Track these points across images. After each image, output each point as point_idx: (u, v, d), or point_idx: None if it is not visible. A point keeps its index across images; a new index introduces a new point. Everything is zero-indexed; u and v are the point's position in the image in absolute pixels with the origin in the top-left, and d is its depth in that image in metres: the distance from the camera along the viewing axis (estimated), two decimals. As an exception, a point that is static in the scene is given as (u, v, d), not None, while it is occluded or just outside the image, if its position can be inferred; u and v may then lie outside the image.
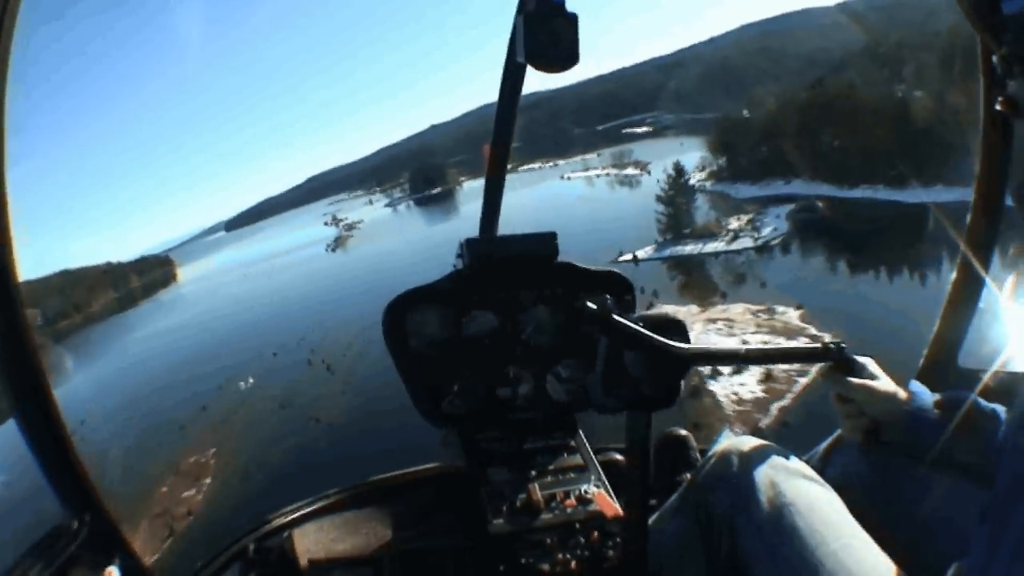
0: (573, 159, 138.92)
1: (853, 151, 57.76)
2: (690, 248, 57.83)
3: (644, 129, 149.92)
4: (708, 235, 59.28)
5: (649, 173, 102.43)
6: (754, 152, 71.22)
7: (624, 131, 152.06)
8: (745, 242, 55.85)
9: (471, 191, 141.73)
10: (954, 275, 2.08)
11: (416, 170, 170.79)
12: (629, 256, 56.81)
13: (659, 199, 62.50)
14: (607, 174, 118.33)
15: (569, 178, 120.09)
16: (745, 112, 75.69)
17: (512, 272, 2.30)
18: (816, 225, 53.83)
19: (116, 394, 50.52)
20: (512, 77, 2.52)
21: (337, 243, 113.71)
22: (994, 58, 0.96)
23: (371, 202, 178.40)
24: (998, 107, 0.93)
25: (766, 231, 56.95)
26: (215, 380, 47.36)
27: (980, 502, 1.15)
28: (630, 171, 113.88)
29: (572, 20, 1.63)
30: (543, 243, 2.31)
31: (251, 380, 46.29)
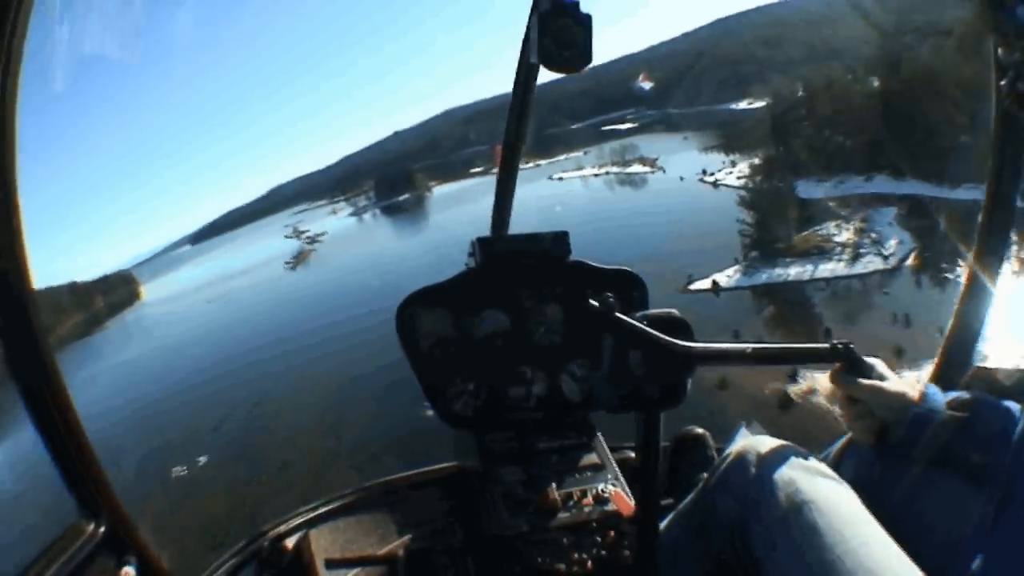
0: (556, 158, 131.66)
1: (949, 142, 44.02)
2: (794, 271, 41.45)
3: (628, 126, 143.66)
4: (814, 252, 42.92)
5: (663, 171, 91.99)
6: (819, 142, 55.93)
7: (604, 128, 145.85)
8: (872, 262, 39.87)
9: (442, 197, 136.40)
10: (966, 274, 2.15)
11: (381, 176, 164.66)
12: (705, 283, 41.72)
13: (743, 203, 47.88)
14: (607, 173, 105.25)
15: (561, 178, 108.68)
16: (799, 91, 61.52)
17: (524, 271, 2.35)
18: (940, 236, 39.45)
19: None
20: (525, 77, 2.56)
21: (298, 259, 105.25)
22: (1000, 51, 0.96)
23: (334, 212, 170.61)
24: (1008, 102, 0.91)
25: (890, 245, 40.82)
26: (145, 459, 33.20)
27: (949, 500, 1.17)
28: (637, 168, 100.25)
29: (586, 20, 1.63)
30: (555, 242, 2.35)
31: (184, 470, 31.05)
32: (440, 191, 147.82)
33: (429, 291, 2.32)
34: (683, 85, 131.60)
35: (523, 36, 2.22)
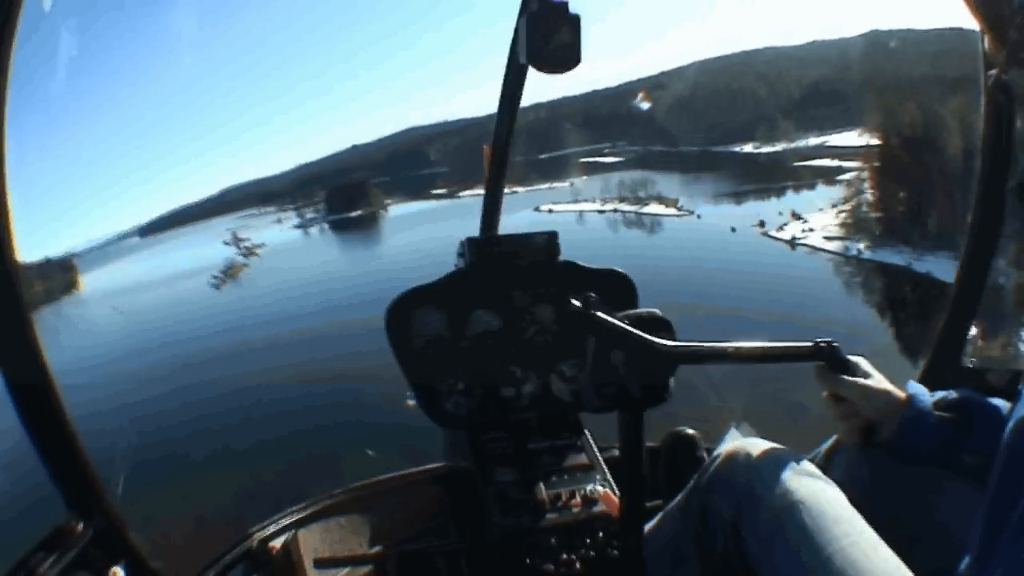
0: (536, 186, 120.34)
1: None
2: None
3: (612, 159, 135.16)
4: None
5: (696, 216, 78.25)
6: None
7: (583, 160, 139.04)
8: None
9: (398, 219, 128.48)
10: (956, 273, 2.22)
11: (336, 187, 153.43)
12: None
13: (863, 284, 41.20)
14: (615, 211, 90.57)
15: (551, 211, 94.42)
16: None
17: (514, 272, 2.40)
18: None
19: None
20: (514, 78, 2.59)
21: (227, 274, 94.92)
22: (986, 43, 0.99)
23: (280, 220, 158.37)
24: (993, 87, 0.97)
25: None
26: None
27: (981, 502, 1.17)
28: (656, 209, 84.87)
29: (575, 21, 1.67)
30: (545, 242, 2.41)
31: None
32: (397, 211, 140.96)
33: (419, 291, 2.37)
34: (674, 122, 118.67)
35: (512, 37, 2.24)
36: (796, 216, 63.32)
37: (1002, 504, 1.09)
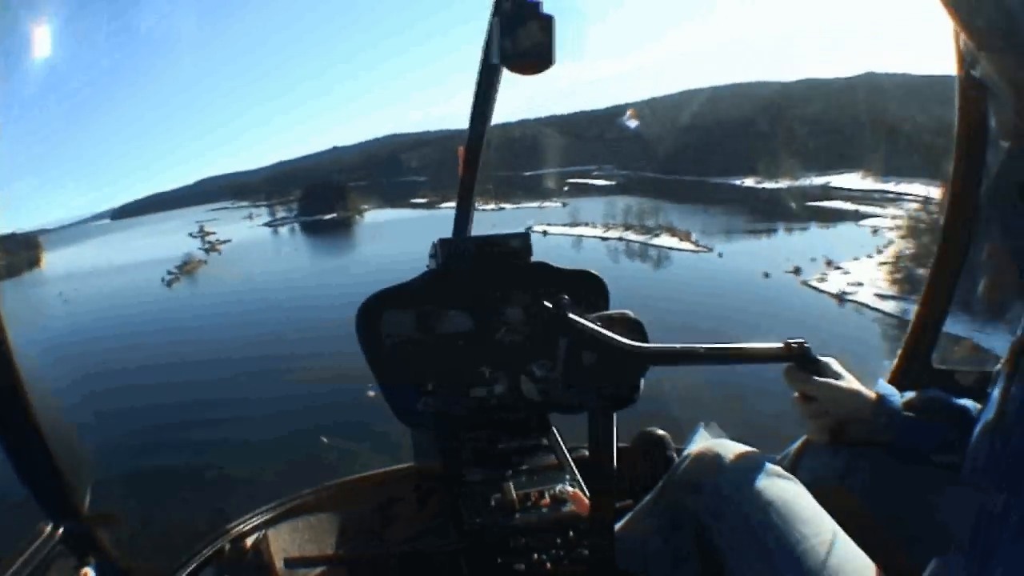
0: (523, 204, 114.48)
1: None
2: None
3: (602, 182, 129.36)
4: None
5: (717, 254, 71.34)
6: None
7: (571, 180, 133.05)
8: None
9: (376, 225, 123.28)
10: (928, 275, 2.27)
11: (313, 185, 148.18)
12: None
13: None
14: (620, 239, 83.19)
15: (546, 233, 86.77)
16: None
17: (486, 272, 2.43)
18: None
19: None
20: (487, 79, 2.58)
21: (182, 270, 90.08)
22: (963, 42, 0.98)
23: (251, 216, 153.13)
24: (966, 83, 0.95)
25: None
26: None
27: (949, 499, 1.19)
28: (668, 242, 77.53)
29: (547, 21, 1.67)
30: (518, 243, 2.44)
31: None
32: (373, 216, 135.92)
33: (391, 292, 2.40)
34: (665, 147, 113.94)
35: (485, 37, 2.20)
36: (831, 264, 59.19)
37: (973, 500, 1.11)
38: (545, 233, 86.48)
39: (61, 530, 1.82)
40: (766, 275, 60.08)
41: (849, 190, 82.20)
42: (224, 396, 36.26)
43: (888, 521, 1.53)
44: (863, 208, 72.73)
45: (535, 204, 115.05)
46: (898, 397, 1.62)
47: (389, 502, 2.59)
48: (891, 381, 1.95)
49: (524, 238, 2.47)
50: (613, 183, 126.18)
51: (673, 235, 78.37)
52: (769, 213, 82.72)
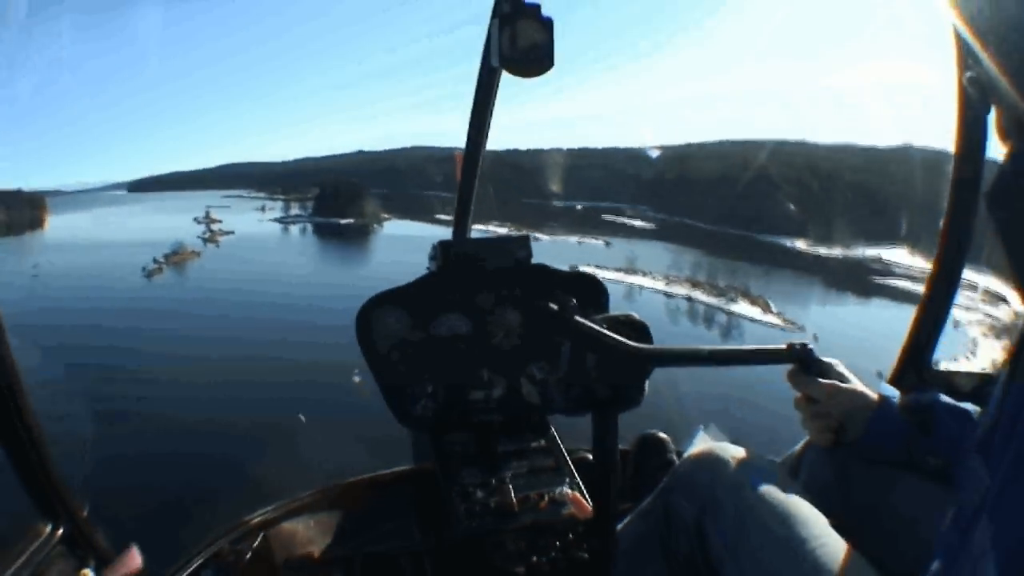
0: (561, 237, 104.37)
1: None
2: None
3: (640, 223, 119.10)
4: None
5: (815, 338, 54.26)
6: None
7: (605, 217, 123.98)
8: None
9: (392, 237, 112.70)
10: (927, 277, 2.30)
11: (331, 184, 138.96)
12: None
13: None
14: (689, 298, 70.25)
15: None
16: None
17: (485, 274, 2.44)
18: None
19: None
20: (486, 82, 2.63)
21: (169, 261, 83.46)
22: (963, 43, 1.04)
23: (264, 209, 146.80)
24: (967, 85, 1.02)
25: None
26: None
27: (947, 505, 1.19)
28: (745, 309, 64.95)
29: (547, 24, 1.68)
30: (516, 245, 2.45)
31: None
32: (393, 227, 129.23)
33: (390, 294, 2.43)
34: (700, 195, 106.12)
35: (484, 40, 2.24)
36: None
37: (969, 505, 1.09)
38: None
39: (61, 531, 1.86)
40: (879, 375, 48.03)
41: (908, 267, 74.04)
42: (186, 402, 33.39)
43: (888, 525, 1.55)
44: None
45: (573, 238, 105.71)
46: (900, 400, 1.64)
47: (389, 504, 2.59)
48: (890, 383, 1.98)
49: (523, 240, 2.49)
50: (652, 226, 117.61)
51: (751, 302, 66.97)
52: (838, 284, 76.02)
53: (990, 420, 1.12)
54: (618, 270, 78.29)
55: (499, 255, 2.46)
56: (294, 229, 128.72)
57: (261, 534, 2.35)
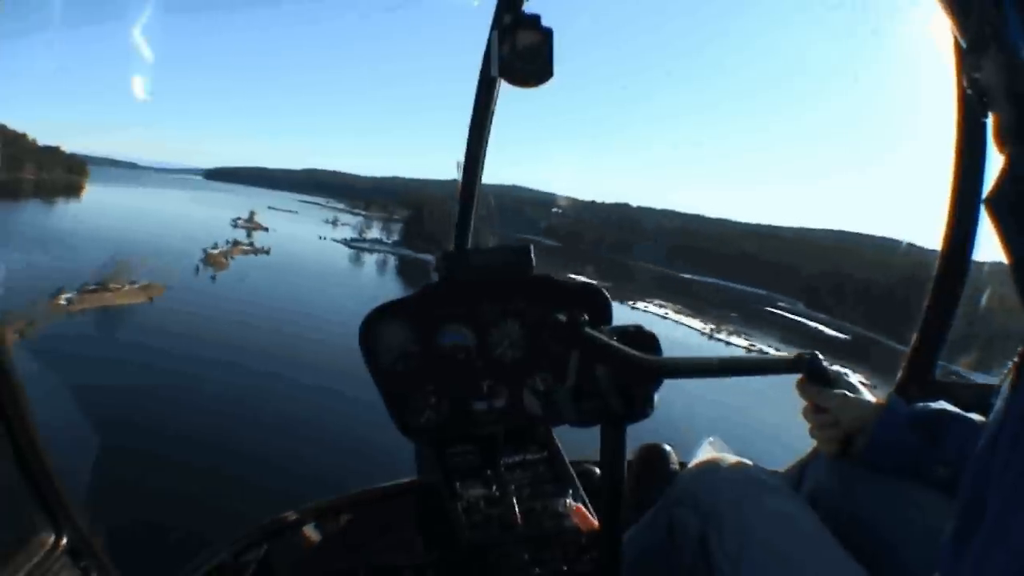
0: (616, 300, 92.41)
1: None
2: None
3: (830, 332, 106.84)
4: None
5: None
6: None
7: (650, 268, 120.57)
8: None
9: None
10: (931, 288, 2.29)
11: (429, 204, 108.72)
12: None
13: None
14: (727, 344, 71.68)
15: (634, 307, 74.47)
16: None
17: (488, 285, 2.46)
18: None
19: None
20: (486, 92, 2.66)
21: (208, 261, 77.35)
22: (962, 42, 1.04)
23: (335, 223, 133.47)
24: (967, 86, 1.01)
25: None
26: None
27: (952, 515, 1.17)
28: None
29: (547, 35, 1.72)
30: (519, 256, 2.44)
31: None
32: None
33: (393, 305, 2.44)
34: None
35: (485, 50, 2.31)
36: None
37: (976, 517, 1.07)
38: (633, 308, 75.06)
39: (64, 542, 1.88)
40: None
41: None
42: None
43: (862, 534, 1.52)
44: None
45: (627, 304, 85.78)
46: (906, 410, 1.62)
47: (392, 516, 2.61)
48: (897, 392, 2.00)
49: (525, 250, 2.47)
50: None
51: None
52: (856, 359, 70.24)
53: (993, 431, 1.12)
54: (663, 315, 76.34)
55: (501, 265, 2.47)
56: (370, 260, 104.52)
57: (265, 546, 2.36)
